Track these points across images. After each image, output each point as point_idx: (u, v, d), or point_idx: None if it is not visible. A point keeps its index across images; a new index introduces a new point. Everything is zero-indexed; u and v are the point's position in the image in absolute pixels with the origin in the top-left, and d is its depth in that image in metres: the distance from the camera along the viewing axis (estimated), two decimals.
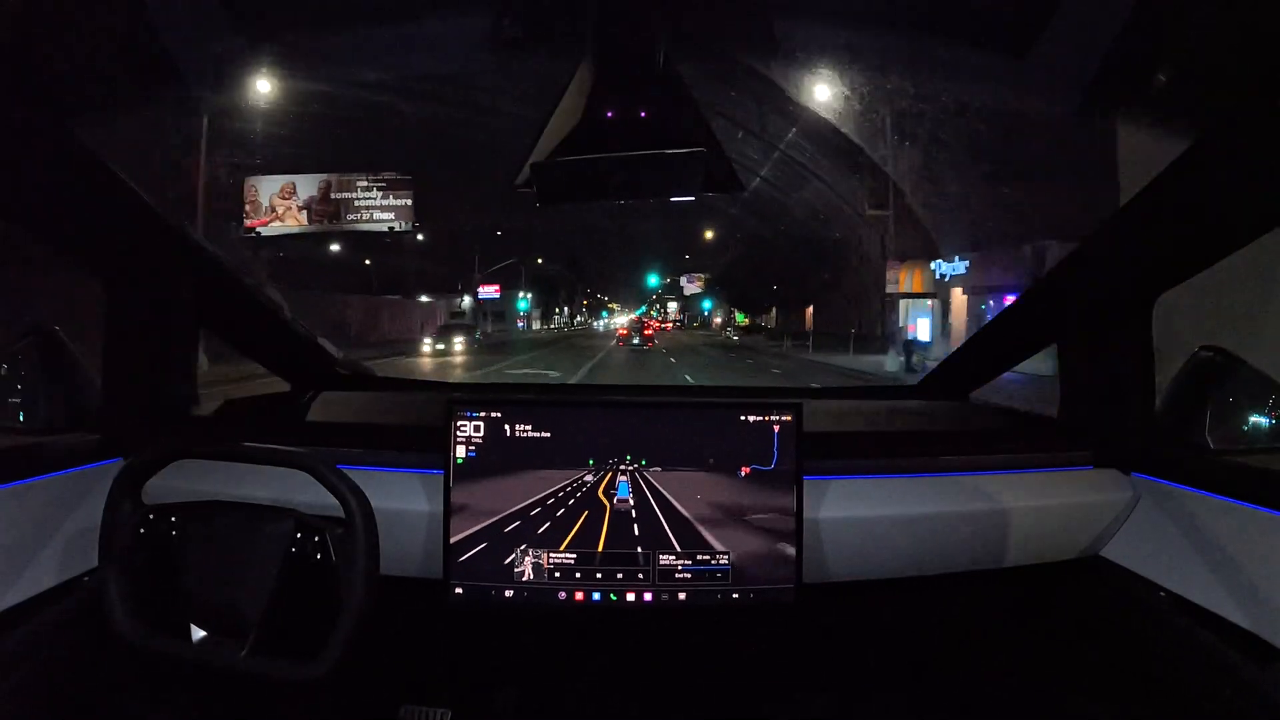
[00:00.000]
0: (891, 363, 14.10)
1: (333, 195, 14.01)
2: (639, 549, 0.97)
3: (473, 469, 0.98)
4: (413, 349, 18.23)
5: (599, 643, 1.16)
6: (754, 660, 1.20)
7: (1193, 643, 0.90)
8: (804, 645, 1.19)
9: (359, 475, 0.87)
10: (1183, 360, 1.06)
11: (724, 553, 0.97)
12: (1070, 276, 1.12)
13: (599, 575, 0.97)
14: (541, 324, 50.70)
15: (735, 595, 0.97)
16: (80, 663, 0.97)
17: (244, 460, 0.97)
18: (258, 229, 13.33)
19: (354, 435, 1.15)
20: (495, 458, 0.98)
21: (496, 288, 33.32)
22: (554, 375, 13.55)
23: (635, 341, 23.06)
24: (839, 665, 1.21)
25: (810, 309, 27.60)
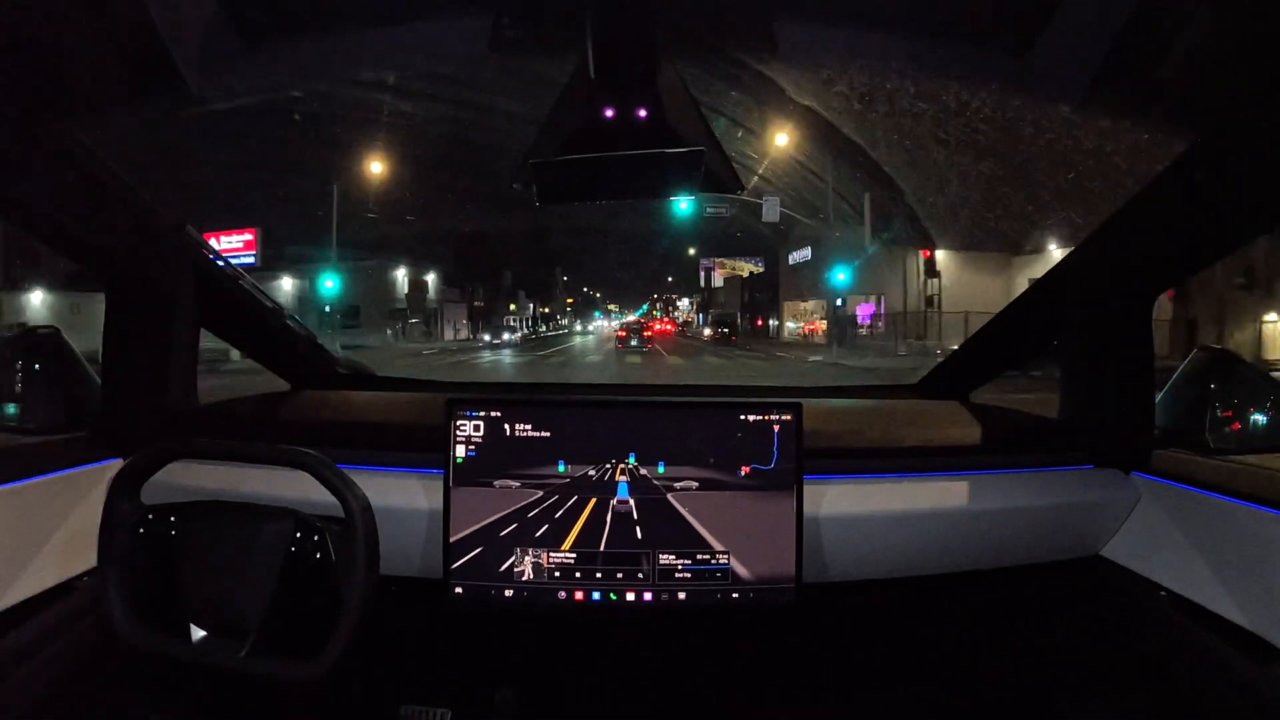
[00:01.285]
0: None
1: None
2: (639, 549, 0.97)
3: (473, 469, 0.98)
4: None
5: (599, 643, 1.16)
6: (754, 660, 1.20)
7: (1193, 642, 0.90)
8: (804, 645, 1.19)
9: (359, 475, 0.87)
10: None
11: (724, 552, 0.97)
12: (1070, 276, 1.12)
13: (599, 575, 0.97)
14: (467, 334, 31.94)
15: (735, 595, 0.97)
16: (80, 663, 0.97)
17: (244, 460, 0.98)
18: None
19: (354, 435, 1.15)
20: (495, 457, 0.98)
21: (246, 239, 14.80)
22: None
23: (634, 344, 22.81)
24: (839, 665, 1.21)
25: None
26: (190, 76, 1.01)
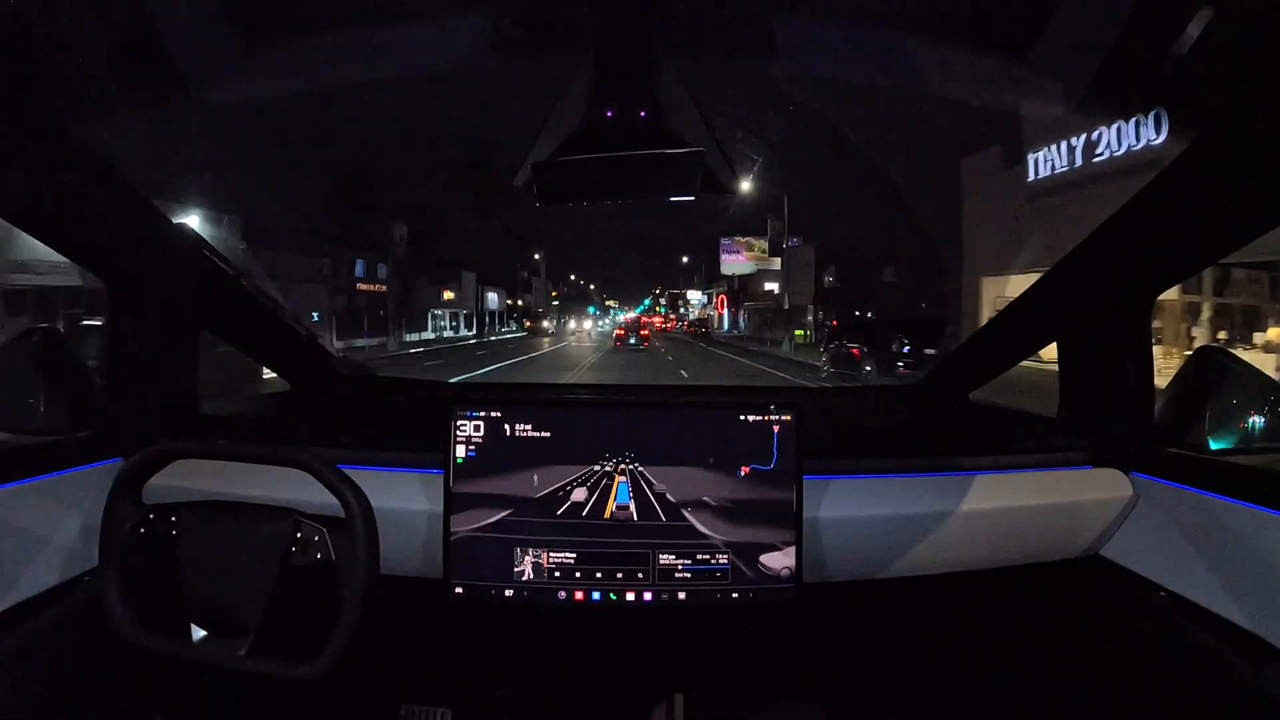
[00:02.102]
0: None
1: None
2: (639, 548, 0.97)
3: (473, 468, 0.98)
4: None
5: (599, 642, 1.17)
6: (754, 660, 1.20)
7: (1192, 642, 0.91)
8: (804, 645, 1.19)
9: (359, 475, 0.87)
10: None
11: (724, 552, 0.97)
12: (1070, 276, 1.12)
13: (599, 575, 0.97)
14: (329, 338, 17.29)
15: (735, 595, 0.97)
16: (80, 663, 0.97)
17: (244, 460, 0.98)
18: None
19: (354, 435, 1.15)
20: (495, 457, 0.98)
21: None
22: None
23: (632, 341, 24.53)
24: (839, 665, 1.21)
25: None
26: (190, 76, 1.01)
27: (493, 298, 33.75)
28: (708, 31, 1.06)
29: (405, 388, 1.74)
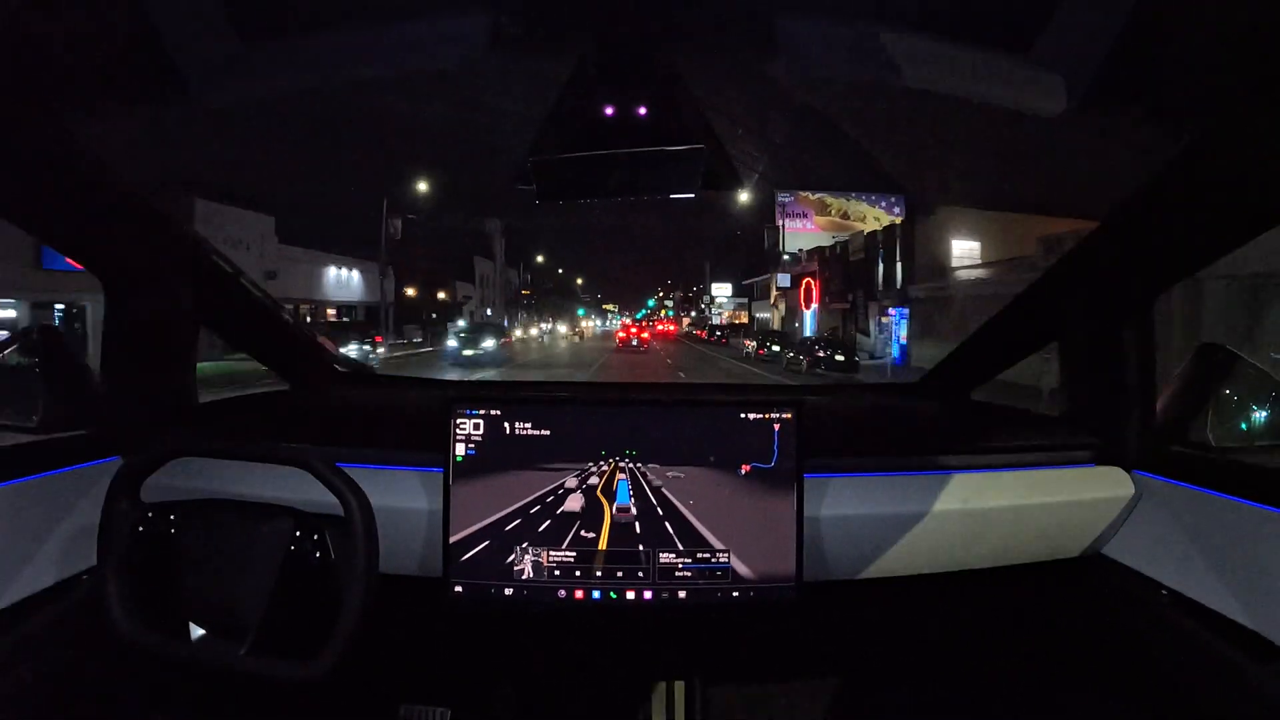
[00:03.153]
0: None
1: None
2: (639, 547, 0.97)
3: (472, 467, 0.98)
4: None
5: (599, 641, 1.16)
6: (754, 659, 1.20)
7: (1194, 641, 0.90)
8: (804, 644, 1.19)
9: (358, 474, 0.87)
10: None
11: (724, 551, 0.97)
12: (1070, 275, 1.12)
13: (599, 574, 0.97)
14: None
15: (735, 594, 0.97)
16: (79, 662, 0.97)
17: (243, 459, 0.97)
18: None
19: (353, 434, 1.15)
20: (495, 456, 0.98)
21: None
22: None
23: (633, 344, 27.03)
24: (839, 664, 1.21)
25: None
26: (190, 76, 1.01)
27: (344, 278, 16.95)
28: (708, 29, 1.06)
29: (405, 386, 1.74)
